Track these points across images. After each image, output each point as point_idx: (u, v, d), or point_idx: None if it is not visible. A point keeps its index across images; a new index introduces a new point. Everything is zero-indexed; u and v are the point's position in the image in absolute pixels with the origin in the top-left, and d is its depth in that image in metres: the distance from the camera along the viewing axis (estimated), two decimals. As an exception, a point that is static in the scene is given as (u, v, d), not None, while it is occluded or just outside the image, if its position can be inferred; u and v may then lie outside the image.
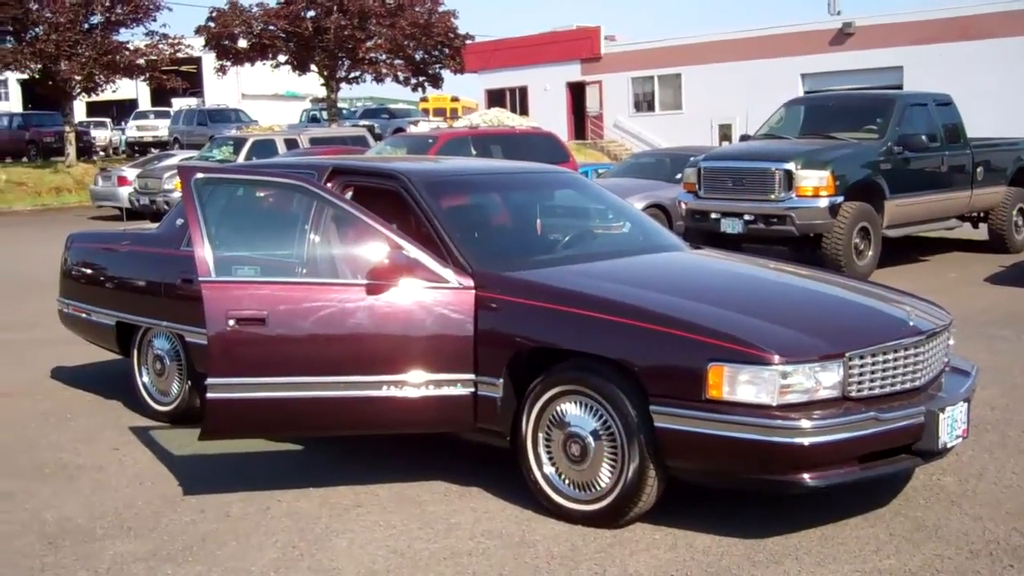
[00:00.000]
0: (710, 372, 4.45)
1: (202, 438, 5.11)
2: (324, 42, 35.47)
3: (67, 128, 32.67)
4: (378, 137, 25.75)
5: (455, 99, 51.53)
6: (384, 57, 38.23)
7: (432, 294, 5.11)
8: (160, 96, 53.95)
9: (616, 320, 4.74)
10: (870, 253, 12.76)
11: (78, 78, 30.43)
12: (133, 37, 34.02)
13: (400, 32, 36.46)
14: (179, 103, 50.08)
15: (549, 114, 42.15)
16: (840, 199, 12.34)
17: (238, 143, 23.28)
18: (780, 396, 4.40)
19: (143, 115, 46.46)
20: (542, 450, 5.01)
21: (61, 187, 30.41)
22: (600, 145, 40.62)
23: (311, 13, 35.31)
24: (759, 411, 4.40)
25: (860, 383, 4.60)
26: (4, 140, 36.97)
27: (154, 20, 31.98)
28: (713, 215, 13.07)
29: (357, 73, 38.45)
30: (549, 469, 5.00)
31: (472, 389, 5.10)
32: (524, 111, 42.38)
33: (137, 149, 40.85)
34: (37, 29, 29.84)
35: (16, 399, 7.51)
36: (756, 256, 6.69)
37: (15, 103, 54.91)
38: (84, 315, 7.33)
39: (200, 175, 5.16)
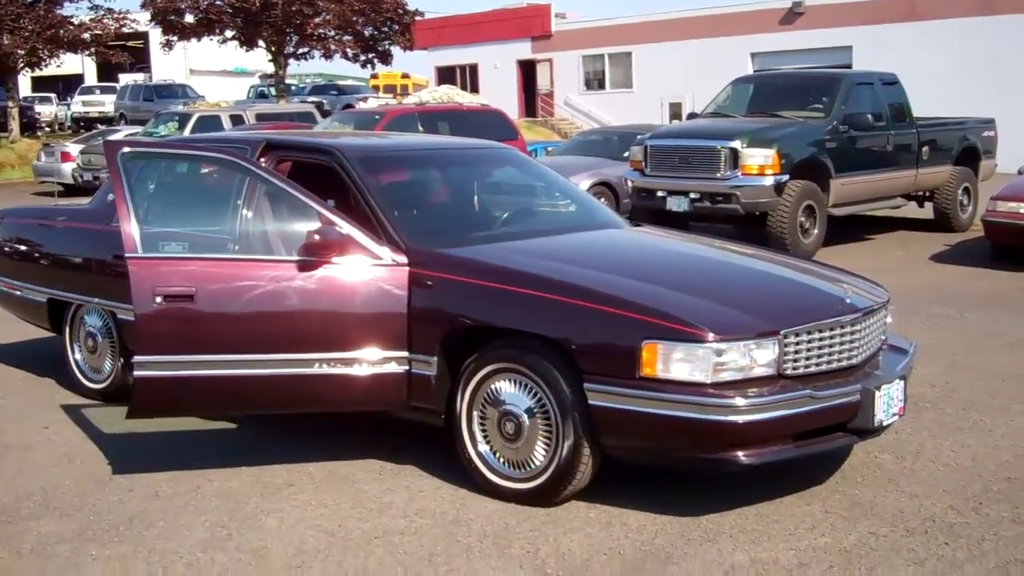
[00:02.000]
0: (644, 350, 4.40)
1: (129, 416, 5.00)
2: (272, 17, 34.98)
3: (10, 103, 32.02)
4: (326, 114, 25.47)
5: (406, 76, 51.14)
6: (333, 33, 37.81)
7: (365, 271, 5.02)
8: (107, 71, 53.08)
9: (550, 297, 4.68)
10: (815, 231, 12.80)
11: (21, 52, 29.81)
12: (78, 11, 33.26)
13: (349, 8, 36.05)
14: (126, 79, 49.35)
15: (500, 92, 41.95)
16: (785, 178, 12.37)
17: (183, 119, 22.95)
18: (714, 374, 4.36)
19: (89, 90, 45.68)
20: (476, 428, 4.95)
21: (4, 163, 29.80)
22: (551, 123, 40.53)
23: (259, -13, 34.83)
24: (693, 389, 4.36)
25: (796, 361, 4.58)
26: (-53, 115, 36.22)
27: (98, -7, 31.41)
28: (659, 193, 13.05)
29: (305, 49, 38.00)
30: (484, 447, 4.94)
31: (406, 367, 5.03)
32: (475, 89, 42.14)
33: (83, 125, 40.14)
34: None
35: (-56, 378, 7.33)
36: (699, 235, 6.66)
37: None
38: (16, 292, 7.15)
39: (126, 149, 5.03)
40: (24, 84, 56.01)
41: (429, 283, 4.98)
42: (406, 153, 6.29)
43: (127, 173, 4.95)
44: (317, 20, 36.40)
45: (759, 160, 12.36)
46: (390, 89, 46.50)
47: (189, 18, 36.32)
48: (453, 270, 4.98)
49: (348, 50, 38.45)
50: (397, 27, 39.51)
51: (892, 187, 14.05)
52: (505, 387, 4.83)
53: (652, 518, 4.68)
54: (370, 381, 5.03)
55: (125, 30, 33.84)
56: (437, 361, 4.97)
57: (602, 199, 15.21)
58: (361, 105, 30.26)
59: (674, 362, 4.38)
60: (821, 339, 4.66)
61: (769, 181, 12.32)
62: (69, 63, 38.70)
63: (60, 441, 5.85)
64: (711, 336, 4.36)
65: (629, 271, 5.07)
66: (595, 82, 41.88)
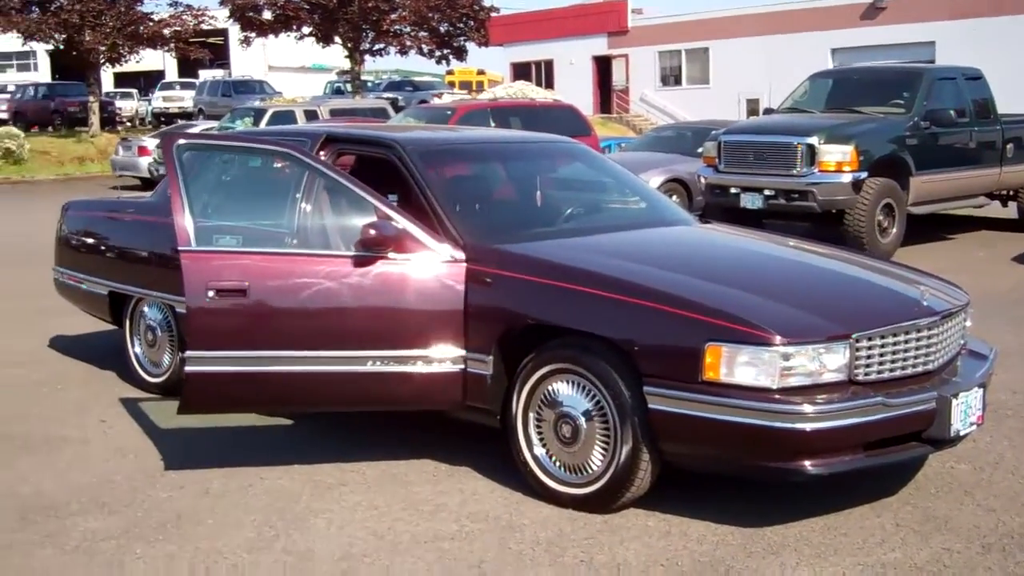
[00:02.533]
0: (707, 352, 4.21)
1: (181, 412, 4.93)
2: (348, 14, 35.12)
3: (91, 98, 32.56)
4: (400, 110, 25.46)
5: (481, 72, 51.19)
6: (408, 29, 37.86)
7: (421, 267, 4.89)
8: (187, 67, 53.90)
9: (609, 296, 4.51)
10: (894, 231, 12.43)
11: (102, 48, 30.28)
12: (157, 8, 33.71)
13: (424, 4, 36.08)
14: (205, 75, 50.02)
15: (575, 88, 41.75)
16: (864, 175, 12.01)
17: (258, 114, 23.11)
18: (781, 379, 4.16)
19: (169, 86, 46.38)
20: (532, 431, 4.79)
21: (84, 156, 30.34)
22: (626, 119, 40.25)
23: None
24: (759, 394, 4.16)
25: (868, 366, 4.35)
26: (30, 109, 37.01)
27: (178, -10, 31.77)
28: (733, 190, 12.78)
29: (381, 45, 38.11)
30: (540, 450, 4.78)
31: (462, 366, 4.89)
32: (549, 84, 41.99)
33: (163, 120, 40.78)
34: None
35: (10, 368, 7.36)
36: (770, 232, 6.42)
37: (44, 73, 54.91)
38: (79, 284, 7.16)
39: (182, 141, 4.95)
40: (107, 80, 57.23)
41: (487, 280, 4.84)
42: (467, 147, 6.15)
43: (182, 165, 4.87)
44: (393, 16, 36.47)
45: (837, 156, 12.03)
46: (465, 85, 46.50)
47: (267, 14, 36.62)
48: (511, 266, 4.83)
49: (423, 46, 38.46)
50: (473, 23, 39.39)
51: (975, 185, 13.59)
52: (562, 388, 4.67)
53: (713, 528, 4.48)
54: (425, 380, 4.90)
55: (204, 26, 34.19)
56: (493, 360, 4.82)
57: (674, 196, 15.02)
58: (435, 101, 30.27)
59: (739, 366, 4.18)
60: (896, 343, 4.43)
61: (847, 178, 11.98)
62: (150, 59, 39.24)
63: (115, 435, 5.82)
64: (778, 339, 4.15)
65: (694, 270, 4.88)
66: (671, 78, 41.52)
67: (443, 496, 4.87)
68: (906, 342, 4.47)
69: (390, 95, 39.31)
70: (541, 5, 48.25)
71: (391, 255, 4.86)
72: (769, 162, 12.46)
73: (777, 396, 4.15)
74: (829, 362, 4.23)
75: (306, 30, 37.17)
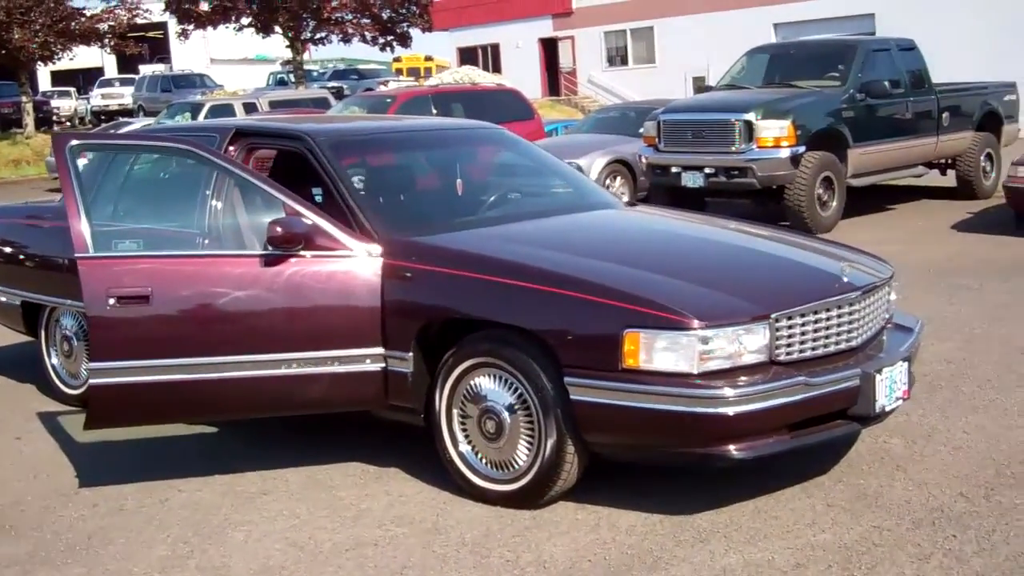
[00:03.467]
0: (626, 339, 4.10)
1: (87, 427, 4.75)
2: (288, 3, 34.67)
3: (24, 98, 31.91)
4: (343, 99, 25.20)
5: (429, 58, 50.83)
6: (350, 17, 37.44)
7: (335, 264, 4.73)
8: (127, 63, 53.09)
9: (525, 285, 4.39)
10: (834, 204, 12.42)
11: (33, 47, 29.64)
12: (88, 3, 33.06)
13: (365, -10, 35.74)
14: (145, 70, 49.30)
15: (522, 71, 41.54)
16: (802, 149, 11.98)
17: (195, 109, 22.75)
18: (701, 363, 4.06)
19: (108, 83, 45.68)
20: (457, 427, 4.66)
21: (19, 159, 29.65)
22: (574, 101, 40.05)
23: (274, -26, 34.54)
24: (679, 380, 4.06)
25: (789, 346, 4.26)
26: (-38, 110, 36.22)
27: (109, -17, 31.14)
28: (674, 169, 12.70)
29: (323, 34, 37.67)
30: (465, 447, 4.65)
31: (382, 364, 4.74)
32: (497, 68, 41.75)
33: (103, 118, 40.09)
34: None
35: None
36: (697, 213, 6.31)
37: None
38: (-11, 295, 6.91)
39: (75, 142, 4.74)
40: (44, 78, 56.25)
41: (404, 274, 4.70)
42: (383, 136, 5.97)
43: (76, 167, 4.68)
44: (334, 4, 36.05)
45: (774, 132, 11.98)
46: (414, 72, 46.16)
47: (204, 6, 36.05)
48: (426, 259, 4.69)
49: (366, 33, 38.06)
50: (415, 8, 39.05)
51: (913, 155, 13.60)
52: (485, 383, 4.54)
53: (643, 518, 4.38)
54: (344, 380, 4.75)
55: (140, 20, 33.59)
56: (413, 357, 4.68)
57: (618, 177, 14.96)
58: (381, 88, 29.96)
59: (657, 351, 4.08)
60: (816, 321, 4.34)
61: (785, 153, 11.94)
62: (88, 56, 38.50)
63: (30, 453, 5.61)
64: (696, 323, 4.05)
65: (613, 255, 4.75)
66: (617, 58, 41.36)
67: (368, 500, 4.73)
68: (827, 320, 4.38)
69: (335, 84, 38.92)
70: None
71: (303, 253, 4.70)
72: (708, 140, 12.39)
73: (697, 381, 4.05)
74: (749, 343, 4.14)
75: (245, 21, 36.64)
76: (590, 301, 4.22)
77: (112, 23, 32.06)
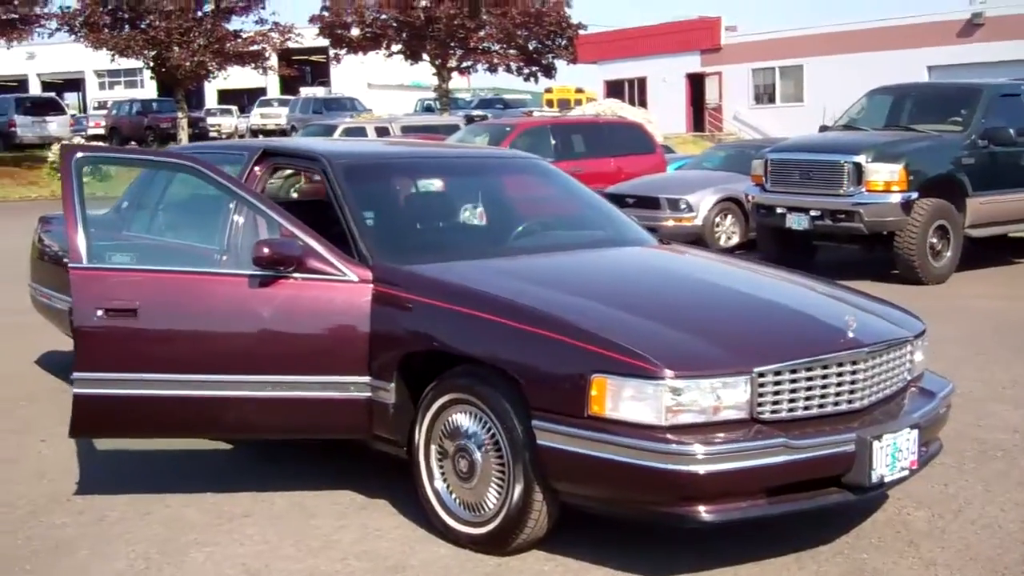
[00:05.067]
0: (593, 384, 3.87)
1: (71, 435, 4.75)
2: (435, 32, 35.25)
3: (180, 115, 33.21)
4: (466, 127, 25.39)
5: (580, 90, 50.92)
6: (496, 47, 37.82)
7: (326, 288, 4.63)
8: (289, 85, 54.81)
9: (499, 321, 4.20)
10: (948, 254, 11.79)
11: (189, 65, 30.85)
12: (244, 25, 34.18)
13: (511, 22, 36.01)
14: (305, 92, 50.77)
15: (668, 106, 41.31)
16: (914, 195, 11.42)
17: (329, 131, 23.19)
18: (670, 415, 3.79)
19: (267, 103, 47.15)
20: (434, 463, 4.49)
21: (171, 172, 30.76)
22: (718, 138, 39.51)
23: (423, 2, 35.14)
24: (646, 432, 3.80)
25: (776, 403, 3.96)
26: (125, 126, 37.92)
27: (263, 7, 32.19)
28: (779, 210, 12.27)
29: (469, 63, 38.15)
30: (440, 484, 4.48)
31: (367, 393, 4.61)
32: (643, 102, 41.59)
33: (260, 136, 41.43)
34: (151, 17, 30.32)
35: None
36: (730, 255, 5.99)
37: (150, 91, 56.25)
38: (49, 301, 7.06)
39: (80, 154, 4.77)
40: (210, 97, 58.55)
41: (392, 302, 4.57)
42: (401, 162, 5.86)
43: (80, 178, 4.70)
44: (480, 34, 36.48)
45: (884, 176, 11.46)
46: (564, 103, 46.35)
47: (355, 31, 36.92)
48: (414, 288, 4.55)
49: (511, 64, 38.37)
50: (562, 41, 39.20)
51: (1042, 207, 12.81)
52: (462, 420, 4.36)
53: (611, 575, 4.12)
54: (327, 407, 4.64)
55: (291, 44, 34.63)
56: (396, 387, 4.54)
57: (729, 215, 14.57)
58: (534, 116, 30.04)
59: (624, 400, 3.83)
60: (809, 379, 4.02)
61: (896, 198, 11.40)
62: (254, 77, 39.77)
63: (47, 456, 5.67)
64: (667, 372, 3.79)
65: (605, 295, 4.51)
66: (765, 96, 40.75)
67: (341, 531, 4.60)
68: (823, 377, 4.06)
69: (480, 112, 39.31)
70: (633, 22, 47.80)
71: (295, 275, 4.61)
72: (815, 181, 11.94)
73: (666, 435, 3.79)
74: (727, 398, 3.86)
75: (395, 48, 37.37)
76: (560, 341, 4.01)
77: (265, 45, 33.07)
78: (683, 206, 14.32)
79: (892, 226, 11.53)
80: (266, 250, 4.52)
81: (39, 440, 5.96)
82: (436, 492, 4.48)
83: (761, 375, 3.91)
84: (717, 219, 14.46)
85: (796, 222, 12.07)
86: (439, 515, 4.46)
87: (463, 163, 6.14)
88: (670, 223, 14.37)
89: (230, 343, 4.63)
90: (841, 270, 12.30)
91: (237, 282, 4.66)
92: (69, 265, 4.61)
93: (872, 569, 4.20)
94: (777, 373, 3.94)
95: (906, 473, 4.21)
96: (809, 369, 4.02)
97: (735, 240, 14.56)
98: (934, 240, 11.65)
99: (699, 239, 14.31)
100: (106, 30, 31.69)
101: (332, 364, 4.60)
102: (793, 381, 3.98)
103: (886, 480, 4.11)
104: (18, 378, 7.45)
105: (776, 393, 3.95)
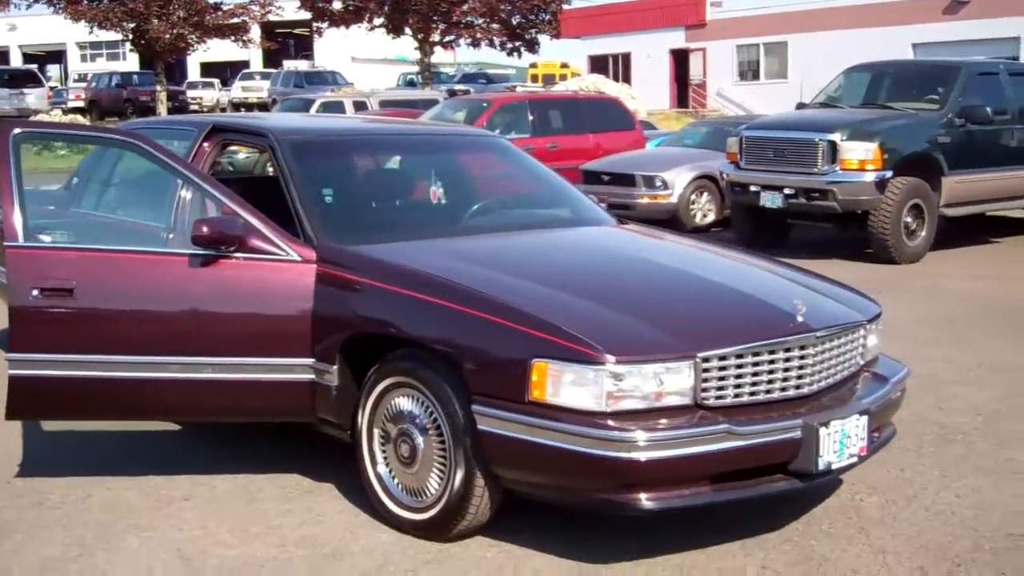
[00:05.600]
0: (533, 369, 3.78)
1: (7, 418, 4.63)
2: (418, 5, 34.96)
3: (158, 88, 32.92)
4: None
5: (565, 65, 50.67)
6: (480, 21, 37.54)
7: (268, 267, 4.52)
8: (273, 58, 54.39)
9: (439, 303, 4.10)
10: (923, 233, 11.72)
11: (167, 38, 30.56)
12: (224, -1, 33.87)
13: (494, -5, 35.78)
14: (288, 65, 50.38)
15: (651, 82, 41.17)
16: (888, 174, 11.33)
17: (307, 105, 22.99)
18: (611, 401, 3.71)
19: (249, 76, 46.82)
20: (377, 447, 4.40)
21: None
22: (701, 114, 39.33)
23: (406, -26, 34.86)
24: (587, 418, 3.72)
25: (721, 389, 3.87)
26: (104, 98, 37.61)
27: (244, -20, 31.91)
28: (752, 188, 12.16)
29: (452, 37, 37.88)
30: (383, 469, 4.39)
31: (311, 375, 4.51)
32: (626, 78, 41.41)
33: (241, 110, 41.13)
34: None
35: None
36: (688, 236, 5.87)
37: (133, 63, 55.76)
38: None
39: (18, 130, 4.63)
40: (193, 70, 58.10)
41: (334, 283, 4.46)
42: (352, 138, 5.72)
43: (18, 156, 4.57)
44: (463, 8, 36.20)
45: (859, 154, 11.37)
46: (548, 78, 46.11)
47: (337, 4, 36.60)
48: (357, 269, 4.44)
49: (494, 38, 38.11)
50: (546, 15, 38.92)
51: (1018, 186, 12.75)
52: (404, 404, 4.27)
53: (553, 563, 4.04)
54: (271, 389, 4.54)
55: (272, 17, 34.35)
56: (338, 370, 4.44)
57: (705, 193, 14.47)
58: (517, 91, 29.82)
59: (564, 385, 3.74)
60: (756, 364, 3.94)
61: (870, 177, 11.32)
62: (237, 50, 39.42)
63: (-8, 438, 5.56)
64: (608, 357, 3.70)
65: (556, 278, 4.40)
66: (749, 72, 40.63)
67: (283, 516, 4.51)
68: (770, 363, 3.97)
69: (462, 87, 39.07)
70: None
71: (236, 255, 4.50)
72: (790, 159, 11.85)
73: (606, 421, 3.70)
74: (670, 383, 3.77)
75: (377, 21, 37.06)
76: (500, 324, 3.91)
77: (246, 18, 32.78)
78: (658, 183, 14.21)
79: (866, 205, 11.45)
80: (205, 229, 4.40)
81: (-14, 422, 5.84)
82: (379, 476, 4.39)
83: (705, 360, 3.82)
84: (693, 196, 14.36)
85: (770, 200, 11.98)
86: (381, 500, 4.37)
87: (417, 140, 6.01)
88: (645, 200, 14.28)
89: (169, 324, 4.52)
90: (815, 249, 12.24)
91: (177, 261, 4.54)
92: (6, 244, 4.49)
93: (820, 556, 4.13)
94: (722, 358, 3.86)
95: (855, 460, 4.14)
96: (755, 354, 3.93)
97: (711, 218, 14.47)
98: (908, 219, 11.57)
99: (674, 217, 14.23)
100: (85, 1, 31.36)
101: (274, 346, 4.50)
102: (739, 366, 3.90)
103: (834, 467, 4.04)
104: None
105: (721, 379, 3.86)
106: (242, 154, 8.09)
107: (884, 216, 11.39)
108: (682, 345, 3.82)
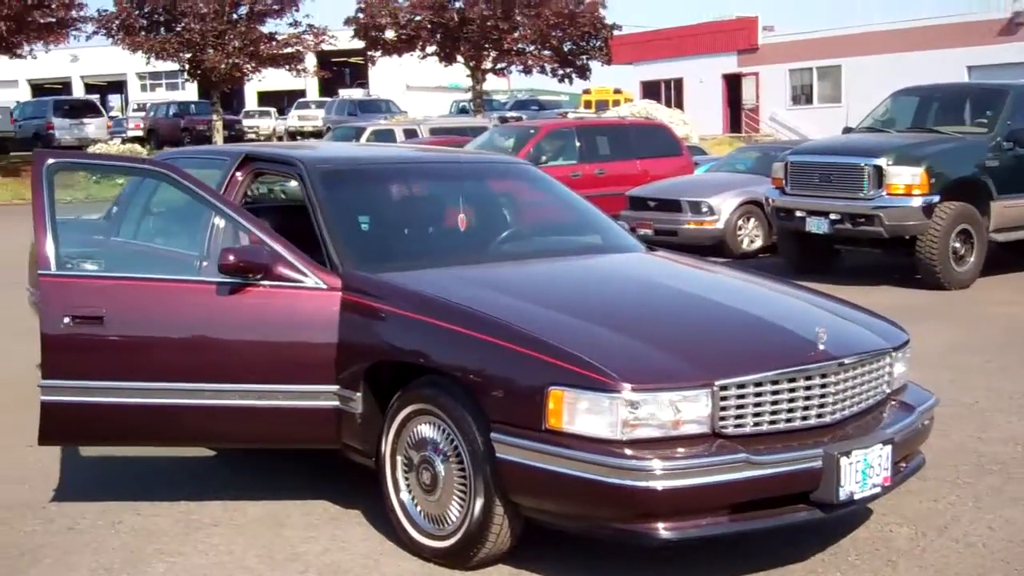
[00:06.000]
0: (550, 397, 3.78)
1: (40, 443, 4.72)
2: (469, 33, 35.24)
3: (214, 117, 33.45)
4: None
5: (618, 91, 50.74)
6: (531, 48, 37.72)
7: (294, 296, 4.57)
8: (329, 87, 55.05)
9: (458, 330, 4.12)
10: (971, 259, 11.55)
11: (223, 67, 31.07)
12: (277, 28, 34.37)
13: (545, 23, 35.90)
14: (344, 94, 50.95)
15: (704, 106, 41.10)
16: (935, 198, 11.19)
17: (358, 132, 23.23)
18: (627, 430, 3.70)
19: (305, 105, 47.39)
20: (400, 474, 4.42)
21: (204, 174, 31.01)
22: (754, 139, 39.20)
23: (457, 3, 35.16)
24: (602, 447, 3.71)
25: (739, 418, 3.85)
26: (162, 128, 38.28)
27: (297, 10, 32.36)
28: (798, 213, 12.07)
29: (503, 64, 38.10)
30: (405, 496, 4.40)
31: (335, 402, 4.55)
32: (679, 104, 41.38)
33: (297, 138, 41.64)
34: (185, 20, 30.58)
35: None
36: (715, 263, 5.81)
37: (191, 93, 56.69)
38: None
39: (51, 160, 4.74)
40: (251, 99, 58.94)
41: (356, 311, 4.50)
42: (380, 167, 5.76)
43: (50, 185, 4.67)
44: (514, 35, 36.41)
45: (906, 179, 11.24)
46: (602, 104, 46.21)
47: (390, 33, 36.99)
48: (381, 297, 4.48)
49: (546, 65, 38.26)
50: (596, 41, 39.02)
51: (1072, 212, 12.52)
52: (426, 431, 4.29)
53: (572, 592, 4.04)
54: (296, 416, 4.59)
55: (326, 46, 34.78)
56: (362, 397, 4.47)
57: (751, 219, 14.38)
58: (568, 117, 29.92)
59: (580, 413, 3.74)
60: (776, 393, 3.91)
61: (917, 202, 11.18)
62: (290, 79, 39.97)
63: (32, 460, 5.62)
64: (624, 385, 3.69)
65: (576, 306, 4.40)
66: (803, 96, 40.39)
67: (308, 543, 4.54)
68: (790, 391, 3.94)
69: (515, 114, 39.26)
70: (669, 22, 47.54)
71: (263, 283, 4.56)
72: (835, 184, 11.74)
73: (623, 449, 3.70)
74: (688, 412, 3.76)
75: (429, 49, 37.39)
76: (517, 352, 3.92)
77: (300, 47, 33.22)
78: (704, 209, 14.17)
79: (913, 230, 11.31)
80: (232, 257, 4.47)
81: (26, 446, 5.94)
82: (402, 503, 4.41)
83: (724, 388, 3.80)
84: (740, 222, 14.30)
85: (816, 226, 11.88)
86: (404, 527, 4.39)
87: (445, 168, 6.04)
88: (691, 226, 14.25)
89: (197, 351, 4.58)
90: (863, 274, 12.13)
91: (205, 290, 4.61)
92: (40, 272, 4.59)
93: (843, 589, 4.08)
94: (741, 387, 3.84)
95: (878, 490, 4.09)
96: (775, 383, 3.91)
97: (758, 244, 14.39)
98: (956, 244, 11.42)
99: (721, 242, 14.17)
100: (142, 33, 31.99)
101: (300, 373, 4.55)
102: (758, 395, 3.87)
103: (856, 497, 3.99)
104: (17, 382, 7.45)
105: (740, 407, 3.84)
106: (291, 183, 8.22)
107: (931, 241, 11.25)
108: (700, 373, 3.81)
